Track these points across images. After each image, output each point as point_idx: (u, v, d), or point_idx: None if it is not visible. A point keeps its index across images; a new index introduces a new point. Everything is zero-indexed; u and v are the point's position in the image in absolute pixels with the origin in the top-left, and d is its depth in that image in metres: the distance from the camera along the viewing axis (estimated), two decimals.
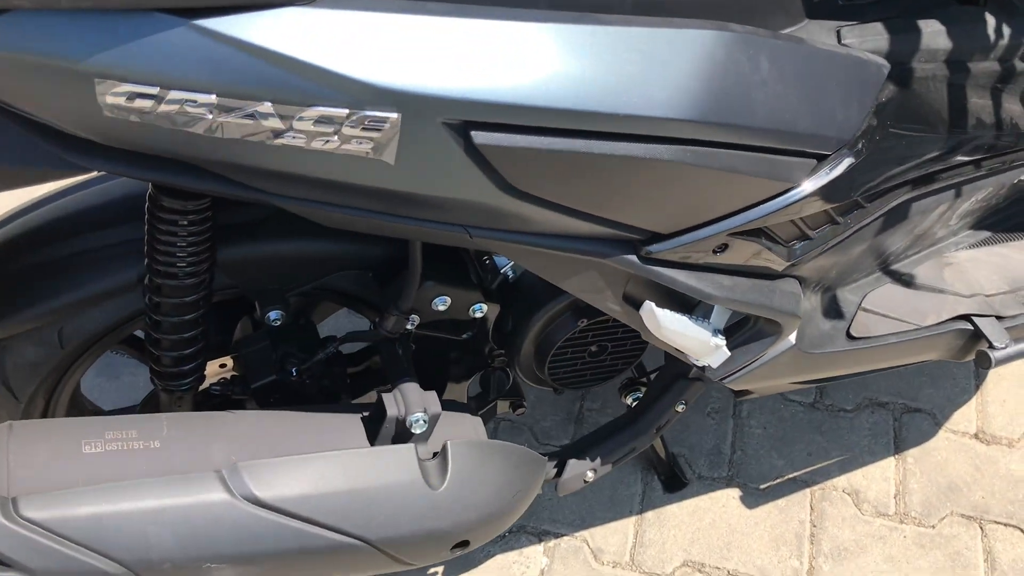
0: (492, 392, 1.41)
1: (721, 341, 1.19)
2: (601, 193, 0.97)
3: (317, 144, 0.85)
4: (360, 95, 0.82)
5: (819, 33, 1.12)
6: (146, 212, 1.07)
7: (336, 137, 0.84)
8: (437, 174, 0.90)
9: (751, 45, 0.97)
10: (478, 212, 0.96)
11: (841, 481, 1.80)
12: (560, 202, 0.96)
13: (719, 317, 1.20)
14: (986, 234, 1.54)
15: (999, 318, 1.42)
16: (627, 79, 0.89)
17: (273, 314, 1.23)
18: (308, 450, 1.15)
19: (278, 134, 0.83)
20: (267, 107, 0.81)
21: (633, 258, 1.06)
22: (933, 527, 1.73)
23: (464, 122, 0.86)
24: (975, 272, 1.47)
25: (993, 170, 1.36)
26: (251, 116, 0.82)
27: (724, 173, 1.00)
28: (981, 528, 1.73)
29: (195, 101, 0.80)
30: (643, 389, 1.54)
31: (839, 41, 1.12)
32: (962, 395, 1.92)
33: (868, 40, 1.13)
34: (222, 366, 1.35)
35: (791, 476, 1.80)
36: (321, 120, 0.82)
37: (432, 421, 1.19)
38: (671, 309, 1.14)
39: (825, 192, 1.10)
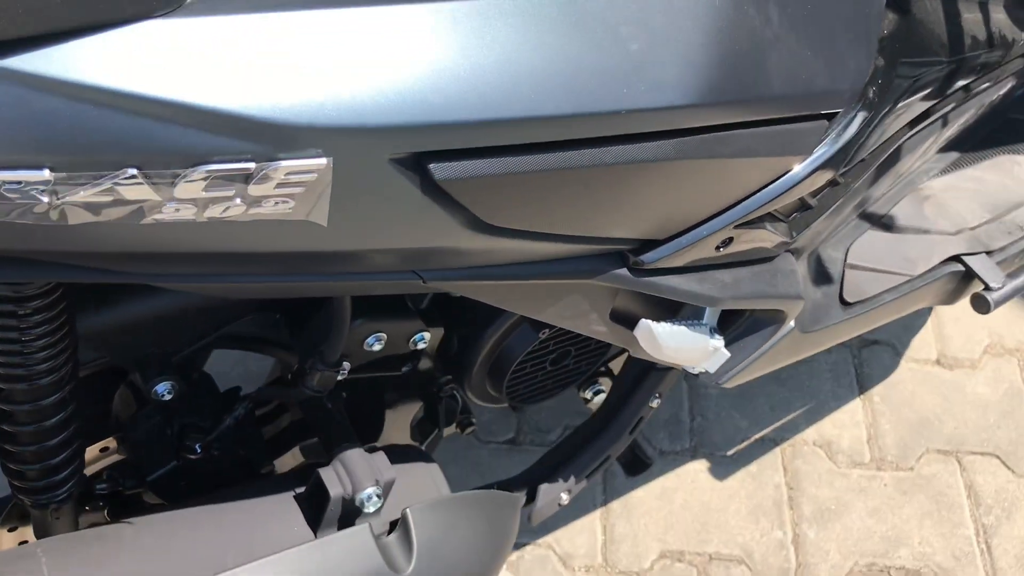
0: (442, 422, 1.18)
1: (719, 342, 0.99)
2: (592, 210, 0.74)
3: (213, 213, 0.58)
4: (270, 140, 0.55)
5: None
6: None
7: (239, 200, 0.58)
8: (385, 226, 0.65)
9: None
10: (436, 256, 0.72)
11: (811, 433, 1.66)
12: (542, 230, 0.73)
13: (712, 315, 1.00)
14: (955, 155, 1.38)
15: (988, 253, 1.28)
16: (626, 63, 0.66)
17: (161, 388, 0.96)
18: (237, 559, 0.90)
19: (154, 208, 0.57)
20: (131, 175, 0.54)
21: (624, 272, 0.84)
22: (911, 469, 1.62)
23: (417, 155, 0.61)
24: (955, 203, 1.31)
25: (979, 91, 1.18)
26: (109, 191, 0.54)
27: (734, 160, 0.79)
28: (959, 462, 1.63)
29: (18, 182, 0.52)
30: (602, 380, 1.34)
31: None
32: (917, 318, 1.80)
33: None
34: (103, 450, 1.07)
35: (758, 436, 1.65)
36: (216, 182, 0.56)
37: (386, 491, 0.96)
38: (667, 321, 0.93)
39: (839, 155, 0.90)
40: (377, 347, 1.00)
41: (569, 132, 0.65)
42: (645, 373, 1.25)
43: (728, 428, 1.66)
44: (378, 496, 0.94)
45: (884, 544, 1.53)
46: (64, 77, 0.51)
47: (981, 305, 1.25)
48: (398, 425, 1.19)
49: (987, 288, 1.25)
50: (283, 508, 0.98)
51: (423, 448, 1.21)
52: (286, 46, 0.55)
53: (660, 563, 1.50)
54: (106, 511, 1.08)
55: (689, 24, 0.69)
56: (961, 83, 1.11)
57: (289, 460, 1.17)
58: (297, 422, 1.15)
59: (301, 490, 0.98)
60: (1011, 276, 1.27)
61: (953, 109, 1.16)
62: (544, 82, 0.62)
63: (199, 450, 1.01)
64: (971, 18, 1.09)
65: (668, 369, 1.25)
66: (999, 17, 1.14)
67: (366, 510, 0.94)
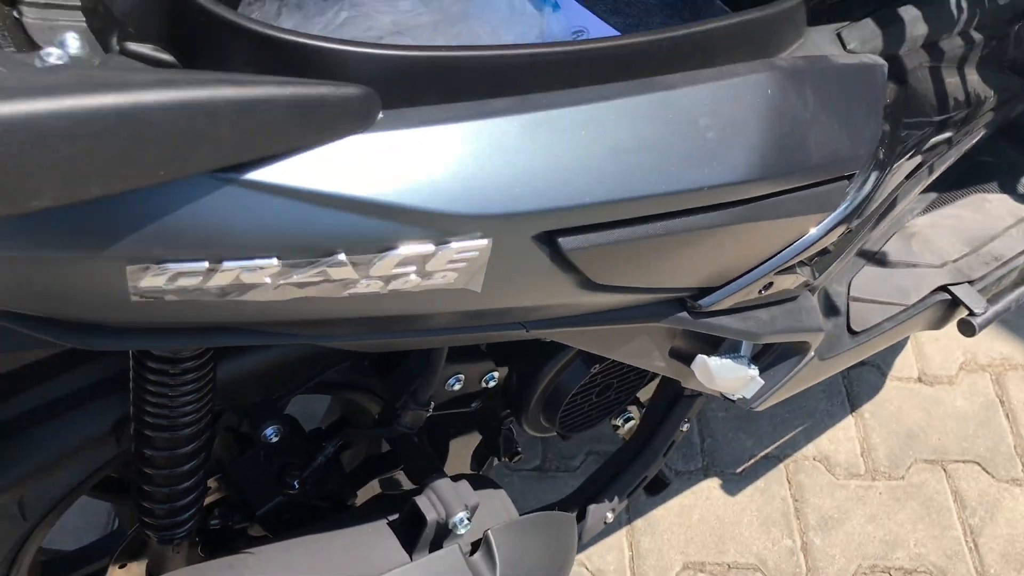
0: (501, 453, 1.30)
1: (755, 372, 1.13)
2: (672, 266, 0.88)
3: (395, 285, 0.71)
4: (447, 227, 0.69)
5: (822, 40, 1.05)
6: (131, 360, 0.89)
7: (415, 275, 0.71)
8: (520, 288, 0.78)
9: (797, 78, 0.90)
10: (543, 309, 0.85)
11: (810, 449, 1.81)
12: (631, 284, 0.87)
13: (747, 348, 1.14)
14: (933, 195, 1.55)
15: (970, 282, 1.44)
16: (705, 148, 0.80)
17: (270, 431, 1.08)
18: None
19: (350, 284, 0.69)
20: (340, 259, 0.67)
21: (684, 315, 0.98)
22: (903, 478, 1.78)
23: (551, 231, 0.75)
24: (937, 239, 1.47)
25: (958, 142, 1.35)
26: (320, 273, 0.67)
27: (780, 219, 0.93)
28: (944, 470, 1.79)
29: (253, 268, 0.65)
30: (631, 409, 1.47)
31: (844, 47, 1.06)
32: (898, 341, 1.97)
33: (868, 41, 1.08)
34: (206, 489, 1.17)
35: (763, 454, 1.80)
36: (403, 262, 0.69)
37: (472, 515, 1.08)
38: (716, 356, 1.07)
39: (856, 208, 1.05)
40: (457, 387, 1.13)
41: (665, 206, 0.79)
42: (675, 401, 1.40)
43: (735, 448, 1.81)
44: (468, 520, 1.07)
45: (883, 547, 1.68)
46: (290, 183, 0.64)
47: (967, 329, 1.41)
48: (460, 456, 1.31)
49: (971, 314, 1.41)
50: (379, 534, 1.09)
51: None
52: (456, 151, 0.69)
53: (684, 574, 1.64)
54: (199, 546, 1.19)
55: (750, 113, 0.83)
56: (946, 136, 1.27)
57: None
58: (373, 456, 1.27)
59: (393, 517, 1.10)
60: (991, 302, 1.43)
61: (938, 158, 1.33)
62: (646, 167, 0.76)
63: (296, 486, 1.12)
64: (952, 82, 1.25)
65: (695, 397, 1.40)
66: (973, 79, 1.31)
67: (457, 532, 1.07)
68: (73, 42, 0.65)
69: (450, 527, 1.06)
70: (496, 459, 1.32)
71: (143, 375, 0.89)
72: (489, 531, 1.09)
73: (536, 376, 1.22)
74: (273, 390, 1.08)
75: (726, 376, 1.08)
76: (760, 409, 1.25)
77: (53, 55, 0.63)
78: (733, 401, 1.19)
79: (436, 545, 1.08)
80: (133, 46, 0.68)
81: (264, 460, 1.11)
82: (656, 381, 1.43)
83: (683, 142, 0.79)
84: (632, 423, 1.48)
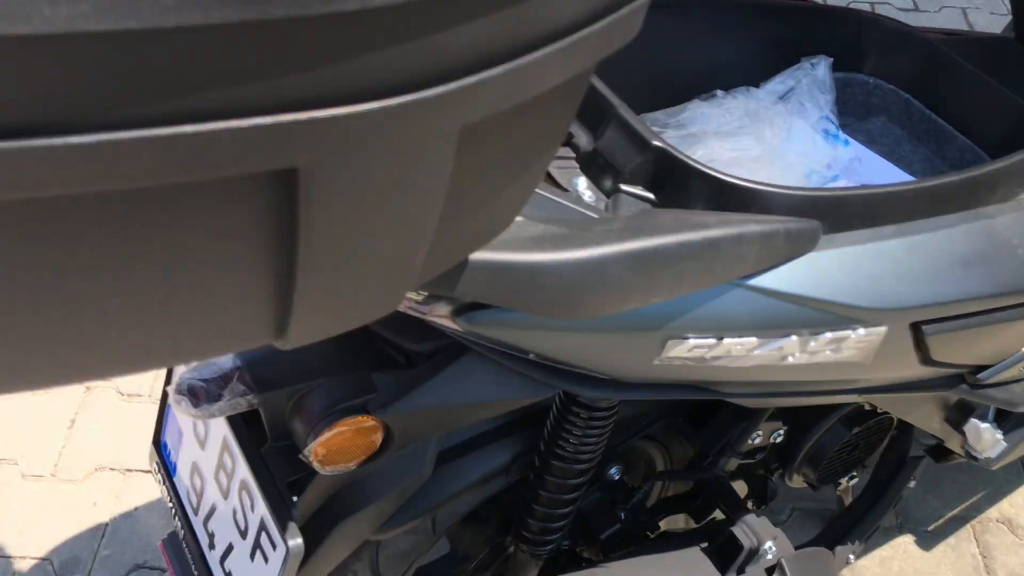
0: (768, 498, 1.56)
1: (1000, 435, 1.39)
2: (977, 348, 1.15)
3: (816, 358, 0.99)
4: (863, 318, 0.97)
5: None
6: (556, 404, 1.18)
7: (830, 351, 0.99)
8: (888, 364, 1.06)
9: None
10: (881, 379, 1.13)
11: (993, 512, 2.03)
12: (950, 361, 1.14)
13: (991, 415, 1.40)
14: None
15: None
16: (1019, 260, 1.08)
17: (614, 471, 1.35)
18: None
19: (786, 356, 0.98)
20: (792, 339, 0.95)
21: (965, 387, 1.25)
22: None
23: (919, 321, 1.03)
24: None
25: None
26: (779, 348, 0.96)
27: None
28: None
29: (741, 344, 0.94)
30: (853, 469, 1.72)
31: None
32: None
33: None
34: None
35: (951, 515, 2.03)
36: (829, 343, 0.97)
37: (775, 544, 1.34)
38: (980, 421, 1.33)
39: None
40: (757, 440, 1.40)
41: (991, 304, 1.07)
42: (903, 462, 1.65)
43: (925, 509, 2.04)
44: (776, 548, 1.33)
45: None
46: (770, 286, 0.93)
47: None
48: None
49: None
50: (694, 559, 1.36)
51: None
52: (867, 264, 0.97)
53: None
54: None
55: None
56: None
57: None
58: (680, 495, 1.54)
59: (704, 544, 1.37)
60: None
61: None
62: (983, 275, 1.04)
63: (623, 517, 1.39)
64: None
65: (921, 458, 1.64)
66: None
67: (766, 558, 1.33)
68: (582, 183, 0.97)
69: (760, 553, 1.32)
70: (765, 504, 1.58)
71: (565, 416, 1.18)
72: (783, 559, 1.35)
73: (807, 435, 1.49)
74: (614, 437, 1.36)
75: (988, 438, 1.34)
76: (995, 468, 1.50)
77: (584, 193, 0.95)
78: (977, 460, 1.44)
79: (741, 570, 1.34)
80: (627, 188, 0.99)
81: (602, 494, 1.39)
82: (882, 446, 1.69)
83: (1005, 256, 1.07)
84: (855, 481, 1.73)
